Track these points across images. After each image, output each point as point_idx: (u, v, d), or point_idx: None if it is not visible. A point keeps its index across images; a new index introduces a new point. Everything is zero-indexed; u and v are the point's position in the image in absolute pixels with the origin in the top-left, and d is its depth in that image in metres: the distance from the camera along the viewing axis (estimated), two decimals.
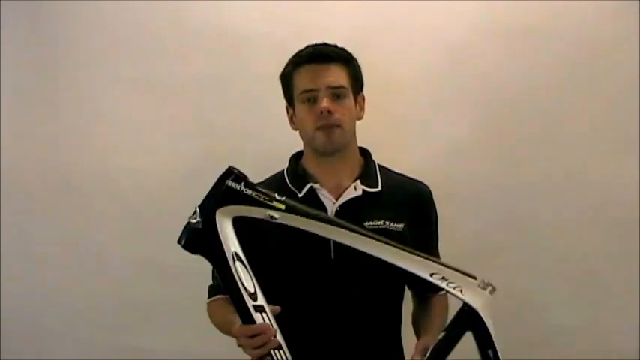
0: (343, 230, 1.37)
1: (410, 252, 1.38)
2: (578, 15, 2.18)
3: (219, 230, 1.30)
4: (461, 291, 1.36)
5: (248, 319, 1.30)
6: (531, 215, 2.20)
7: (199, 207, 1.31)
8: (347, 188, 1.61)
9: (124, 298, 2.29)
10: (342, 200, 1.59)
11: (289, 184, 1.63)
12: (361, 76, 1.67)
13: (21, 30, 2.34)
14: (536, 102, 2.21)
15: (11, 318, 2.32)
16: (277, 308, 1.37)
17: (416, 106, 2.23)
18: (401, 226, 1.60)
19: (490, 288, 1.38)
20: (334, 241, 1.55)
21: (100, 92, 2.32)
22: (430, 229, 1.69)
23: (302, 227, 1.36)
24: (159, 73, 2.30)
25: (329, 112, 1.55)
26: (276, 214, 1.33)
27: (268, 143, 2.20)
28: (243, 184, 1.31)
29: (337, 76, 1.58)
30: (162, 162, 2.29)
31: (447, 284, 1.37)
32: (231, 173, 1.32)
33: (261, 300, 1.31)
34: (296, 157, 1.70)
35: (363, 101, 1.68)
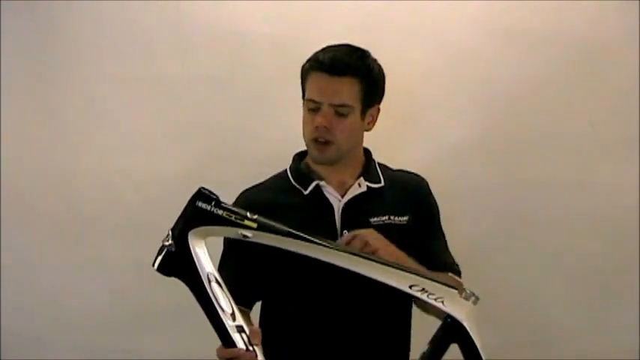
0: (317, 246, 1.35)
1: (387, 264, 1.36)
2: (578, 15, 2.18)
3: (192, 252, 1.29)
4: (442, 302, 1.34)
5: (227, 340, 1.29)
6: (531, 215, 2.20)
7: (171, 229, 1.30)
8: (351, 185, 1.61)
9: (122, 300, 2.28)
10: (347, 197, 1.60)
11: (294, 182, 1.64)
12: (380, 87, 1.63)
13: (21, 30, 2.34)
14: (536, 102, 2.21)
15: (9, 319, 2.32)
16: (258, 330, 1.36)
17: (416, 106, 2.23)
18: (405, 218, 1.61)
19: (473, 298, 1.35)
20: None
21: (99, 92, 2.32)
22: (433, 219, 1.69)
23: (276, 245, 1.35)
24: (159, 74, 2.29)
25: (325, 127, 1.55)
26: (248, 233, 1.32)
27: (269, 143, 2.20)
28: (213, 203, 1.30)
29: (345, 92, 1.55)
30: (162, 163, 2.29)
31: (427, 296, 1.34)
32: (200, 194, 1.31)
33: (239, 320, 1.31)
34: (299, 156, 1.70)
35: (377, 113, 1.64)
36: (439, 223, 1.71)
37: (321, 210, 1.58)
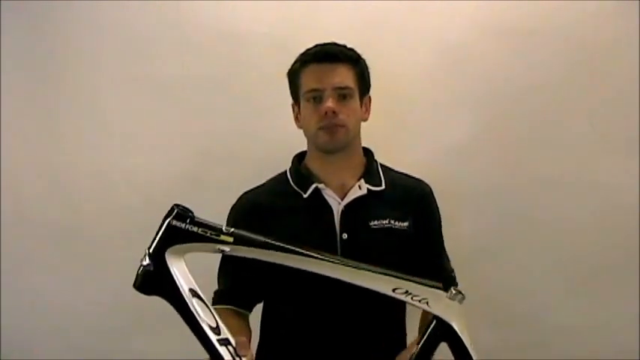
0: (295, 256, 1.34)
1: (367, 269, 1.35)
2: (578, 15, 2.18)
3: (171, 270, 1.29)
4: (427, 303, 1.33)
5: (214, 353, 1.29)
6: (531, 215, 2.20)
7: (148, 248, 1.30)
8: (351, 187, 1.61)
9: (121, 301, 2.27)
10: (347, 200, 1.60)
11: (293, 185, 1.64)
12: (368, 77, 1.68)
13: (21, 30, 2.34)
14: (536, 102, 2.21)
15: (9, 320, 2.31)
16: (244, 341, 1.35)
17: (416, 106, 2.23)
18: (405, 224, 1.61)
19: (460, 297, 1.35)
20: (341, 242, 1.55)
21: (98, 93, 2.32)
22: (434, 228, 1.70)
23: (254, 257, 1.34)
24: (158, 74, 2.29)
25: (333, 112, 1.55)
26: (226, 247, 1.31)
27: (267, 144, 2.20)
28: (188, 221, 1.29)
29: (344, 76, 1.59)
30: (162, 163, 2.28)
31: (411, 298, 1.33)
32: (174, 212, 1.30)
33: (224, 333, 1.30)
34: (299, 158, 1.71)
35: (369, 103, 1.69)
36: (440, 227, 1.71)
37: (321, 213, 1.58)
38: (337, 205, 1.59)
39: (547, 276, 2.19)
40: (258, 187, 1.69)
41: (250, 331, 1.61)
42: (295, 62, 1.65)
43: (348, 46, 1.67)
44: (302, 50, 1.68)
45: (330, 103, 1.56)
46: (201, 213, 2.13)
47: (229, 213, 1.67)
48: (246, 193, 1.68)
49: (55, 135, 2.33)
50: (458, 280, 1.70)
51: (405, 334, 1.67)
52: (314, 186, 1.60)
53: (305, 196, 1.61)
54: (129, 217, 2.28)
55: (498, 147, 2.22)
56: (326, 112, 1.56)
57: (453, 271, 1.69)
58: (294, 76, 1.65)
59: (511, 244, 2.20)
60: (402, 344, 1.65)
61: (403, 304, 1.63)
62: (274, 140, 2.17)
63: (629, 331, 2.15)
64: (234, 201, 1.69)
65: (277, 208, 1.60)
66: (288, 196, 1.62)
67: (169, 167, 2.28)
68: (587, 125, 2.19)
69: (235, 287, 1.61)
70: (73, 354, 2.28)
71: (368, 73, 1.68)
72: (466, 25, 2.22)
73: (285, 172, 1.69)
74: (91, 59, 2.32)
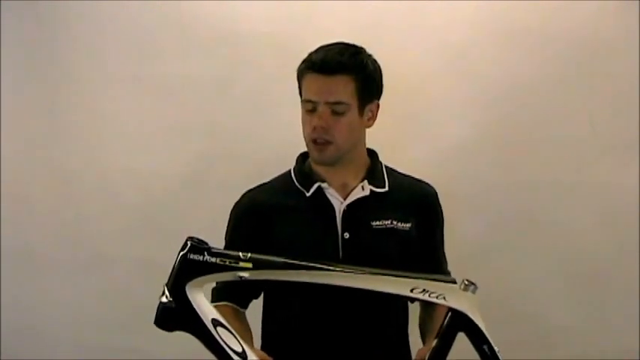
0: (315, 272, 1.33)
1: (385, 274, 1.35)
2: (578, 15, 2.18)
3: (193, 303, 1.27)
4: (444, 298, 1.34)
5: None
6: (531, 215, 2.21)
7: (167, 286, 1.28)
8: (354, 188, 1.60)
9: (121, 299, 2.28)
10: (349, 200, 1.59)
11: (297, 184, 1.63)
12: (377, 84, 1.62)
13: (21, 30, 2.35)
14: (536, 102, 2.21)
15: (9, 318, 2.32)
16: None
17: (416, 106, 2.23)
18: (408, 225, 1.60)
19: (472, 287, 1.35)
20: (342, 241, 1.55)
21: (99, 92, 2.33)
22: (436, 230, 1.69)
23: (274, 279, 1.33)
24: (159, 73, 2.30)
25: (323, 127, 1.54)
26: (245, 274, 1.30)
27: (269, 143, 2.20)
28: (206, 252, 1.28)
29: (340, 91, 1.54)
30: (162, 162, 2.29)
31: (429, 295, 1.34)
32: (190, 246, 1.28)
33: (250, 355, 1.30)
34: (303, 156, 1.70)
35: (377, 109, 1.63)
36: (442, 230, 1.71)
37: (323, 212, 1.58)
38: (339, 205, 1.59)
39: (547, 276, 2.20)
40: (261, 185, 1.69)
41: (251, 332, 1.61)
42: (301, 63, 1.62)
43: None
44: (302, 50, 1.65)
45: (320, 120, 1.53)
46: (201, 212, 2.15)
47: (231, 211, 1.67)
48: (249, 191, 1.67)
49: (56, 134, 2.34)
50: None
51: (407, 334, 1.67)
52: (317, 185, 1.60)
53: (308, 194, 1.60)
54: (130, 216, 2.29)
55: (498, 147, 2.22)
56: (315, 128, 1.55)
57: (449, 273, 1.69)
58: (298, 77, 1.63)
59: (511, 244, 2.20)
60: (404, 343, 1.66)
61: (405, 301, 1.65)
62: (275, 139, 2.17)
63: (629, 331, 2.15)
64: (234, 200, 1.69)
65: (279, 206, 1.60)
66: (291, 194, 1.62)
67: (170, 166, 2.28)
68: (587, 125, 2.19)
69: (235, 284, 1.60)
70: (74, 353, 2.29)
71: (377, 79, 1.62)
72: (466, 26, 2.22)
73: (290, 170, 1.68)
74: (92, 59, 2.33)
